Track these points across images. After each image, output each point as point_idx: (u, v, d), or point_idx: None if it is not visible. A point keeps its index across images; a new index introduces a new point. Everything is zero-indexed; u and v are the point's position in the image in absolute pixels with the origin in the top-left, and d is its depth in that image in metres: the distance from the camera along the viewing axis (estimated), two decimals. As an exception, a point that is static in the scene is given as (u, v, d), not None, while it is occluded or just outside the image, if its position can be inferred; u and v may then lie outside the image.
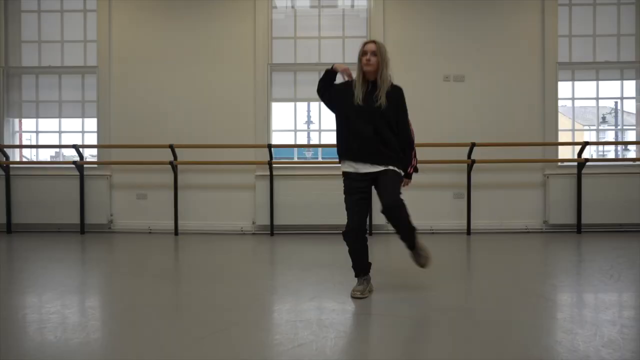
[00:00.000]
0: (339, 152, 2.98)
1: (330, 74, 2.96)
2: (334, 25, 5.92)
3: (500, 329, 2.36)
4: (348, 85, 2.93)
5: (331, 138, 5.86)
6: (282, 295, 3.06)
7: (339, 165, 3.00)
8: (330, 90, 2.99)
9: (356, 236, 2.89)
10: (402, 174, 2.95)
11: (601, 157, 8.91)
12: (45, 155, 6.90)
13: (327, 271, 3.60)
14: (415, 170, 3.07)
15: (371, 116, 2.84)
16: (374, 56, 2.84)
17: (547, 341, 2.16)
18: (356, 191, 2.88)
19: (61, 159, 6.57)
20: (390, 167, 2.86)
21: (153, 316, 2.60)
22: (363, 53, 2.87)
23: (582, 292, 3.12)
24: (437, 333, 2.35)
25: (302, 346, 2.12)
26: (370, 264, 3.01)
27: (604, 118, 12.47)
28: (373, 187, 2.93)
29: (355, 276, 2.99)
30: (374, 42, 2.90)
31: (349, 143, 2.90)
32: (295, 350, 2.07)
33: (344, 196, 2.92)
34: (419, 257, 2.98)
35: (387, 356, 2.05)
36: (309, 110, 7.05)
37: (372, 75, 2.87)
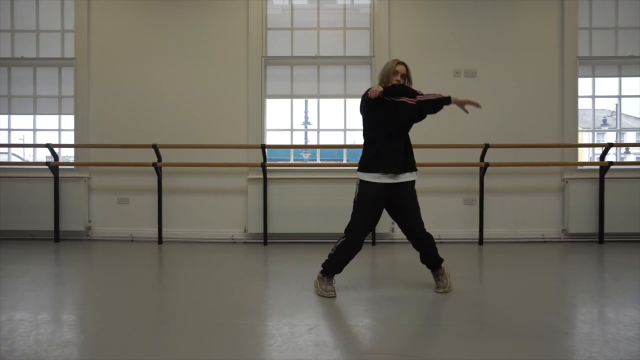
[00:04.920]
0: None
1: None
2: (334, 20, 5.48)
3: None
4: None
5: (330, 138, 5.45)
6: (277, 320, 2.59)
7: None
8: None
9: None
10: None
11: (625, 161, 8.48)
12: (20, 155, 6.46)
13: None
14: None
15: None
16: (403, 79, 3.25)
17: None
18: None
19: (36, 159, 6.10)
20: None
21: (135, 333, 2.43)
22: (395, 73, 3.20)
23: (604, 323, 2.60)
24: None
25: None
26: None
27: (604, 121, 12.08)
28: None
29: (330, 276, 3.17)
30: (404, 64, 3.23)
31: None
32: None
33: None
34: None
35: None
36: (306, 110, 6.67)
37: None
